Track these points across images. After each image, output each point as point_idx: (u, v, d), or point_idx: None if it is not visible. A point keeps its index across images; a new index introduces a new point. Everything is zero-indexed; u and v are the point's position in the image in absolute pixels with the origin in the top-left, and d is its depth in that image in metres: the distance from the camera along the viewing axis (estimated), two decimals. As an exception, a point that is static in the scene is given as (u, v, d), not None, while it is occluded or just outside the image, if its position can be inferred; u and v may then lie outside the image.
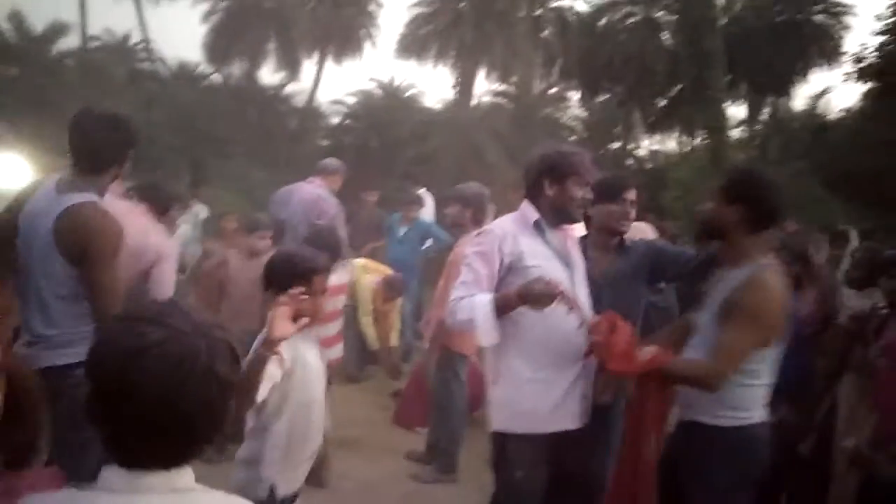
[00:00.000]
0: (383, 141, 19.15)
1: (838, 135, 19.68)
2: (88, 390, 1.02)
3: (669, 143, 27.18)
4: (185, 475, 1.07)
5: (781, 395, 3.18)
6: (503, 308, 2.27)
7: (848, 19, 24.14)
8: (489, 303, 2.28)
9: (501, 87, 23.78)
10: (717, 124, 14.40)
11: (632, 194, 2.70)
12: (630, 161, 23.14)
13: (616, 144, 25.02)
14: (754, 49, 22.77)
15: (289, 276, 2.21)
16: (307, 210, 5.01)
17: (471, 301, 2.32)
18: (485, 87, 25.18)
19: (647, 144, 26.59)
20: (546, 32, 24.79)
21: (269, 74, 23.48)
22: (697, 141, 21.56)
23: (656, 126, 26.42)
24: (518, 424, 2.33)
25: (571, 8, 24.99)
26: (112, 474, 1.03)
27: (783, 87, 24.44)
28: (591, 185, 2.56)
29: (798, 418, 3.13)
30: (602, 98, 26.00)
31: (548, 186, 2.46)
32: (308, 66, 24.12)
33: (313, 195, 5.14)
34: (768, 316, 2.10)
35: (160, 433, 1.01)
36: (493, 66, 23.26)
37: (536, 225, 2.45)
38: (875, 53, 19.79)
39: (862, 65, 20.36)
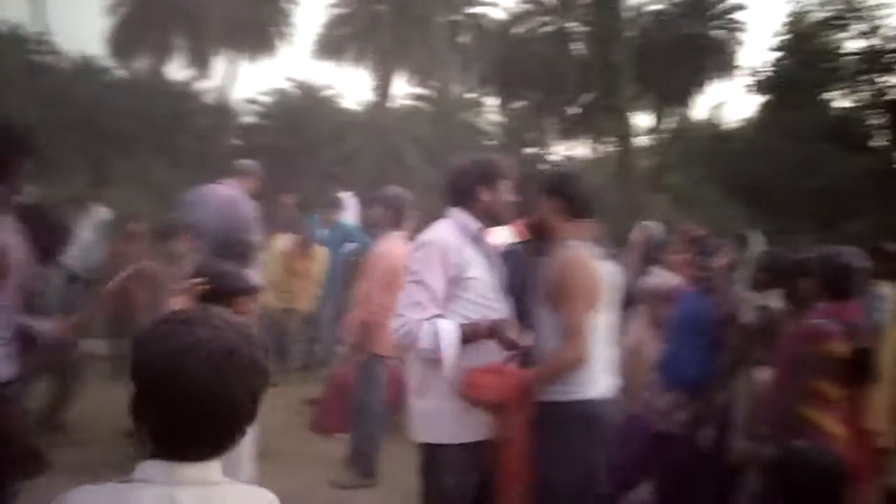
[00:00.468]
0: (300, 142, 18.76)
1: (736, 143, 21.01)
2: (135, 390, 1.10)
3: (582, 150, 28.12)
4: (216, 468, 1.14)
5: (689, 394, 3.39)
6: (469, 339, 2.28)
7: (741, 35, 25.94)
8: (455, 332, 2.26)
9: (420, 91, 23.88)
10: (625, 132, 15.04)
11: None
12: (545, 166, 23.75)
13: (531, 150, 25.62)
14: (659, 61, 23.96)
15: (215, 294, 2.14)
16: (223, 214, 4.80)
17: (434, 327, 2.27)
18: (404, 89, 25.24)
19: (560, 150, 27.41)
20: (463, 38, 25.12)
21: (177, 71, 22.57)
22: (607, 148, 22.43)
23: (569, 133, 27.30)
24: (450, 435, 2.33)
25: (487, 15, 25.42)
26: (151, 467, 1.10)
27: (685, 98, 25.86)
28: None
29: (697, 412, 3.32)
30: (518, 104, 26.59)
31: (483, 192, 2.48)
32: (219, 64, 23.36)
33: (229, 198, 4.92)
34: (576, 288, 2.30)
35: (210, 423, 1.10)
36: (412, 70, 23.35)
37: (476, 234, 2.46)
38: (771, 68, 21.29)
39: (758, 78, 21.87)
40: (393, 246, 4.10)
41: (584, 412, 2.33)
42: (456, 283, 2.36)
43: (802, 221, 16.66)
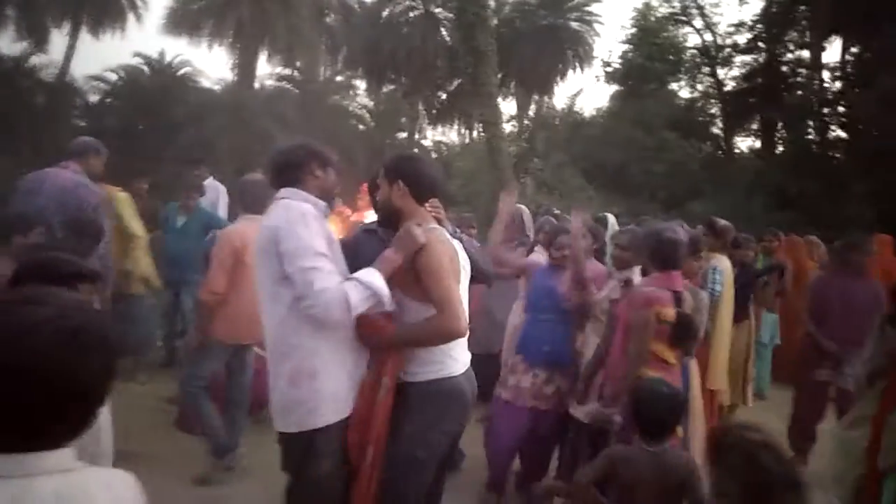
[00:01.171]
0: (154, 123, 17.52)
1: (593, 130, 22.32)
2: None
3: (452, 135, 28.59)
4: (70, 454, 1.06)
5: (554, 365, 3.55)
6: (388, 272, 2.26)
7: (598, 27, 27.50)
8: (376, 273, 2.24)
9: (286, 72, 23.09)
10: (492, 119, 15.43)
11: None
12: (416, 151, 23.93)
13: (403, 134, 25.69)
14: (522, 50, 24.85)
15: (49, 280, 1.87)
16: (63, 200, 4.30)
17: (357, 279, 2.23)
18: (267, 70, 24.26)
19: (431, 135, 27.73)
20: (330, 19, 24.57)
21: (8, 44, 20.19)
22: (476, 133, 22.98)
23: (439, 118, 27.68)
24: (332, 413, 2.27)
25: (354, -4, 25.05)
26: (1, 461, 1.00)
27: (547, 86, 27.04)
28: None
29: (567, 384, 3.51)
30: (388, 88, 26.52)
31: (317, 169, 2.47)
32: (58, 37, 21.20)
33: (70, 182, 4.41)
34: (441, 263, 2.30)
35: (59, 408, 1.01)
36: (276, 49, 22.48)
37: (324, 211, 2.46)
38: (619, 60, 22.73)
39: (609, 69, 23.30)
40: (240, 228, 3.96)
41: (448, 389, 2.36)
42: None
43: (652, 202, 18.08)
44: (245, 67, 22.24)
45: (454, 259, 2.42)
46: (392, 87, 26.06)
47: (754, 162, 21.40)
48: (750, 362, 5.38)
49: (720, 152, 24.07)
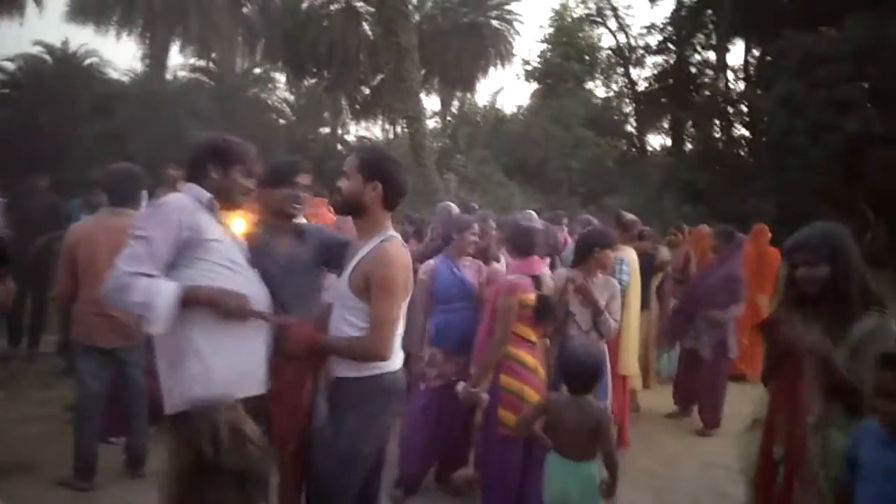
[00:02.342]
0: (57, 116, 16.49)
1: (514, 127, 22.74)
2: None
3: (375, 130, 28.40)
4: None
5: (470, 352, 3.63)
6: (187, 303, 2.16)
7: (518, 26, 27.99)
8: (175, 292, 2.14)
9: (201, 63, 22.26)
10: (415, 114, 15.45)
11: (304, 178, 2.77)
12: (339, 146, 23.62)
13: (325, 129, 25.31)
14: (444, 46, 24.99)
15: None
16: None
17: (152, 284, 2.13)
18: (180, 61, 23.34)
19: (354, 130, 27.44)
20: (247, 9, 23.87)
21: None
22: (399, 129, 22.94)
23: (362, 113, 27.43)
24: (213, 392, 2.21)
25: (272, -13, 24.41)
26: None
27: (469, 83, 27.30)
28: (265, 169, 2.60)
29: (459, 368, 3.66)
30: (309, 82, 26.04)
31: (213, 170, 2.40)
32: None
33: None
34: (396, 283, 2.32)
35: None
36: (189, 40, 21.64)
37: (209, 204, 2.37)
38: (538, 59, 23.24)
39: (528, 67, 23.80)
40: (83, 225, 3.83)
41: (389, 383, 2.40)
42: (194, 245, 2.25)
43: (571, 198, 18.63)
44: (156, 58, 21.29)
45: (409, 273, 2.43)
46: (313, 80, 25.61)
47: (665, 159, 22.42)
48: (650, 348, 5.74)
49: (634, 150, 25.07)
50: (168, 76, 21.55)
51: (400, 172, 2.49)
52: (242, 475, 1.43)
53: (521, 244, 3.43)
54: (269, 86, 23.08)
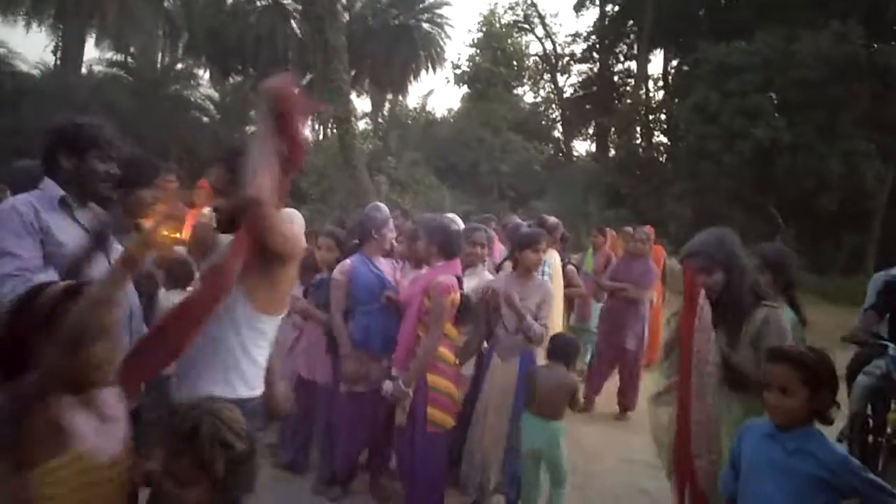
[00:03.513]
0: (-43, 109, 15.43)
1: (444, 131, 22.87)
2: None
3: (304, 131, 27.95)
4: None
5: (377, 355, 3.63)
6: None
7: (449, 30, 28.18)
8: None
9: (118, 57, 21.26)
10: (344, 115, 15.30)
11: (169, 180, 2.62)
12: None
13: (252, 128, 24.69)
14: (374, 48, 24.87)
15: None
16: None
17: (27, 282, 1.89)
18: (96, 54, 22.23)
19: (281, 130, 26.85)
20: (168, 2, 23.03)
21: None
22: (329, 130, 22.65)
23: (290, 113, 26.89)
24: None
25: (195, -19, 23.64)
26: None
27: (400, 86, 27.27)
28: (125, 167, 2.33)
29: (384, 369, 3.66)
30: (235, 80, 25.34)
31: (63, 159, 2.14)
32: None
33: None
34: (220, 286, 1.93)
35: None
36: (105, 33, 20.67)
37: (62, 202, 2.13)
38: (468, 63, 23.47)
39: (458, 71, 23.99)
40: None
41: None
42: (44, 247, 2.04)
43: (501, 201, 18.92)
44: (69, 51, 20.23)
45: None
46: (239, 78, 24.94)
47: (590, 164, 23.10)
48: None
49: (561, 154, 25.72)
50: (83, 70, 20.52)
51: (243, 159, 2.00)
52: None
53: (450, 247, 3.45)
54: (192, 82, 22.31)
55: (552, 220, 5.09)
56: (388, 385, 3.31)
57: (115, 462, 1.51)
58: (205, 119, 21.40)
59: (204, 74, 24.10)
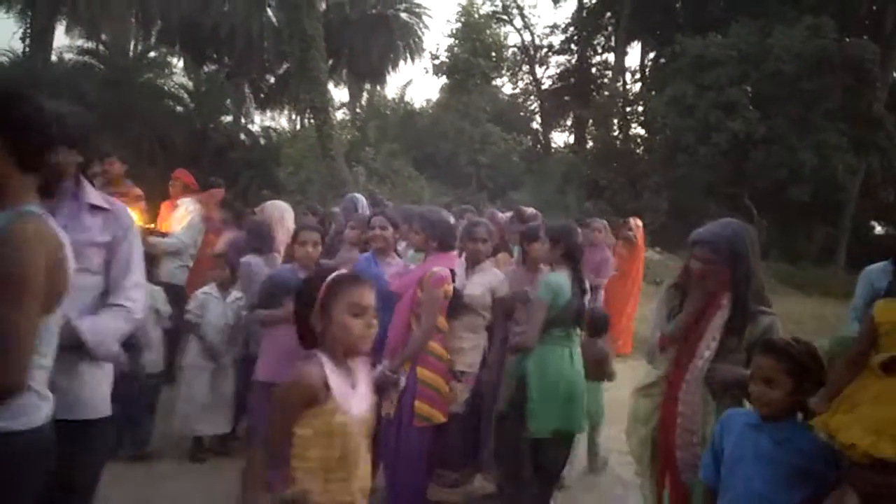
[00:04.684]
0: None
1: (423, 121, 22.78)
2: None
3: (282, 121, 27.62)
4: None
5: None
6: None
7: (427, 20, 28.00)
8: None
9: (90, 45, 20.79)
10: (322, 105, 15.16)
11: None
12: (243, 136, 22.78)
13: (228, 118, 24.34)
14: (352, 37, 24.64)
15: None
16: None
17: None
18: (66, 42, 21.73)
19: (259, 120, 26.54)
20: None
21: None
22: (306, 120, 22.42)
23: (267, 102, 26.57)
24: None
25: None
26: None
27: (378, 76, 27.07)
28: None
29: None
30: (210, 68, 24.93)
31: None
32: None
33: None
34: (23, 278, 1.54)
35: None
36: (76, 19, 20.19)
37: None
38: (447, 53, 23.37)
39: (437, 62, 23.88)
40: None
41: (24, 446, 1.62)
42: None
43: (479, 192, 18.91)
44: (39, 38, 19.73)
45: (57, 262, 1.64)
46: (214, 67, 24.54)
47: (568, 156, 23.17)
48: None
49: (539, 146, 25.77)
50: (53, 58, 20.04)
51: (42, 115, 1.73)
52: None
53: (446, 239, 3.45)
54: (166, 71, 21.89)
55: (530, 210, 5.11)
56: (375, 372, 3.29)
57: (359, 420, 1.86)
58: (179, 108, 21.03)
59: (178, 63, 23.65)
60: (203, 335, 4.11)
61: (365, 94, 27.81)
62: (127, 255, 2.14)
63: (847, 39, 16.31)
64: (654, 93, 20.31)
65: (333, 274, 1.90)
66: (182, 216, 5.42)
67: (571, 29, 25.62)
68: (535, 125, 26.99)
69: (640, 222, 6.37)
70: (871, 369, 1.96)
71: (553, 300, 3.24)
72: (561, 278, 3.29)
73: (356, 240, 4.07)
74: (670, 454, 2.48)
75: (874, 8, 19.44)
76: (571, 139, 26.94)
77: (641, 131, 22.34)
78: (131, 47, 22.92)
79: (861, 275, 3.52)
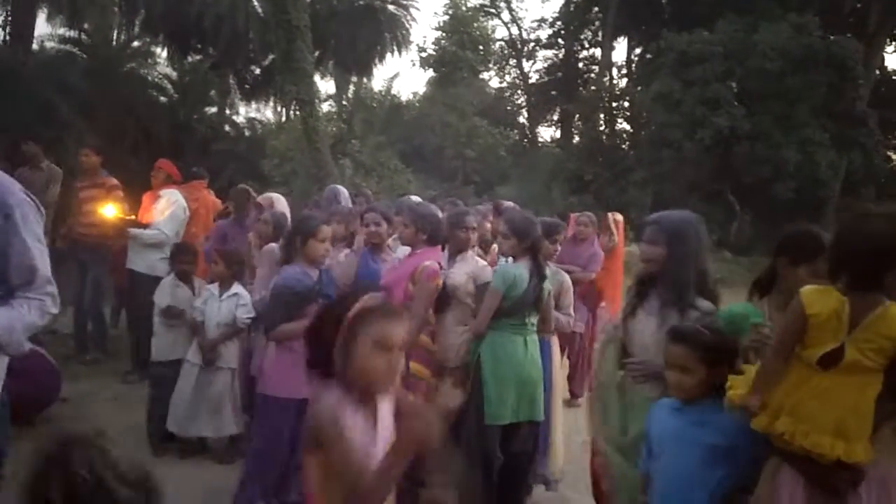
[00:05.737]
0: None
1: (410, 114, 22.71)
2: None
3: (267, 112, 27.41)
4: None
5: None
6: None
7: (414, 12, 27.88)
8: None
9: (72, 34, 20.46)
10: (308, 97, 15.02)
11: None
12: (227, 128, 22.56)
13: (212, 109, 24.10)
14: (339, 29, 24.46)
15: None
16: None
17: None
18: (48, 31, 21.35)
19: (244, 111, 26.30)
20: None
21: None
22: (292, 112, 22.25)
23: (252, 94, 26.33)
24: None
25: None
26: None
27: (365, 68, 26.91)
28: None
29: None
30: (194, 59, 24.64)
31: None
32: None
33: None
34: None
35: None
36: (57, 8, 19.87)
37: None
38: (434, 46, 23.30)
39: (424, 55, 23.81)
40: None
41: None
42: None
43: (466, 186, 18.91)
44: (20, 27, 19.38)
45: None
46: (198, 57, 24.25)
47: (555, 150, 23.23)
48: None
49: (526, 140, 25.80)
50: (34, 47, 19.71)
51: None
52: None
53: (435, 233, 3.47)
54: (149, 61, 21.61)
55: (507, 204, 5.13)
56: None
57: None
58: (162, 99, 20.79)
59: (161, 53, 23.36)
60: (203, 334, 4.03)
61: (351, 87, 27.64)
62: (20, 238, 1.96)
63: (831, 37, 16.44)
64: (640, 88, 20.37)
65: (363, 300, 1.65)
66: (164, 207, 5.35)
67: (559, 23, 25.61)
68: (522, 119, 27.00)
69: (619, 217, 6.34)
70: (804, 364, 1.89)
71: (507, 290, 3.25)
72: (519, 269, 3.31)
73: (342, 235, 4.04)
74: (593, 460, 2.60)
75: (858, 6, 19.62)
76: (558, 134, 26.98)
77: (627, 126, 22.43)
78: (114, 36, 22.60)
79: None
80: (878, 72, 19.50)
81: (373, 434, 1.66)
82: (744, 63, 16.02)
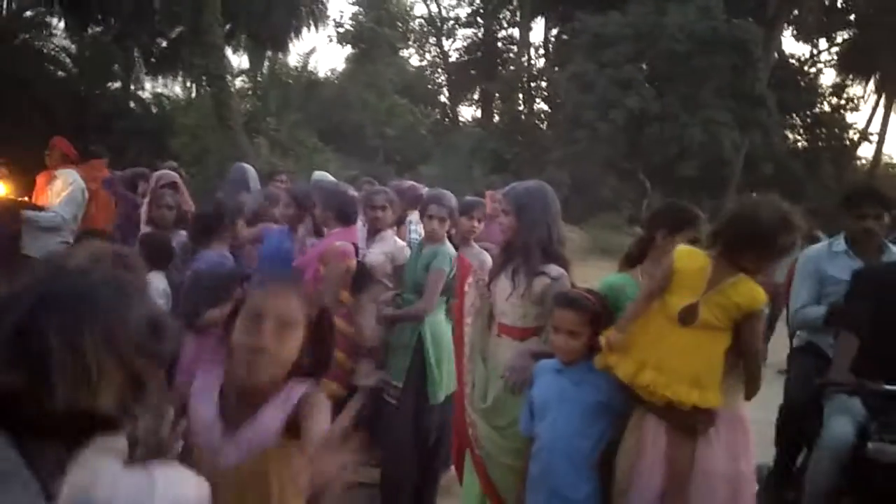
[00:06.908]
0: None
1: (328, 91, 22.21)
2: None
3: (175, 88, 26.13)
4: None
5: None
6: None
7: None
8: None
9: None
10: (218, 72, 14.43)
11: None
12: (132, 104, 21.36)
13: (116, 84, 22.74)
14: (251, 1, 23.54)
15: None
16: None
17: None
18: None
19: (150, 87, 24.96)
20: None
21: None
22: (202, 88, 21.31)
23: (159, 68, 25.00)
24: None
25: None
26: None
27: (280, 43, 26.06)
28: None
29: None
30: (94, 31, 23.11)
31: None
32: None
33: None
34: None
35: None
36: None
37: None
38: (351, 22, 22.86)
39: (341, 30, 23.31)
40: None
41: None
42: None
43: (387, 165, 18.76)
44: None
45: None
46: (98, 29, 22.76)
47: (475, 129, 23.37)
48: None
49: (447, 120, 25.82)
50: None
51: None
52: None
53: (347, 213, 3.43)
54: (45, 32, 20.11)
55: (408, 183, 5.15)
56: None
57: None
58: (60, 73, 19.46)
59: (59, 24, 21.77)
60: None
61: (266, 62, 26.74)
62: None
63: (734, 21, 17.25)
64: (556, 69, 20.74)
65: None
66: (61, 189, 5.02)
67: (478, 1, 25.64)
68: (442, 98, 26.98)
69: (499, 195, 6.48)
70: (666, 318, 2.12)
71: (448, 271, 3.29)
72: (452, 250, 3.36)
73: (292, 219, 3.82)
74: (462, 430, 2.70)
75: (758, -8, 20.64)
76: (479, 113, 27.14)
77: (545, 106, 22.83)
78: (4, 5, 20.89)
79: (802, 261, 3.14)
80: (776, 55, 20.64)
81: (230, 433, 1.48)
82: (654, 45, 16.58)
